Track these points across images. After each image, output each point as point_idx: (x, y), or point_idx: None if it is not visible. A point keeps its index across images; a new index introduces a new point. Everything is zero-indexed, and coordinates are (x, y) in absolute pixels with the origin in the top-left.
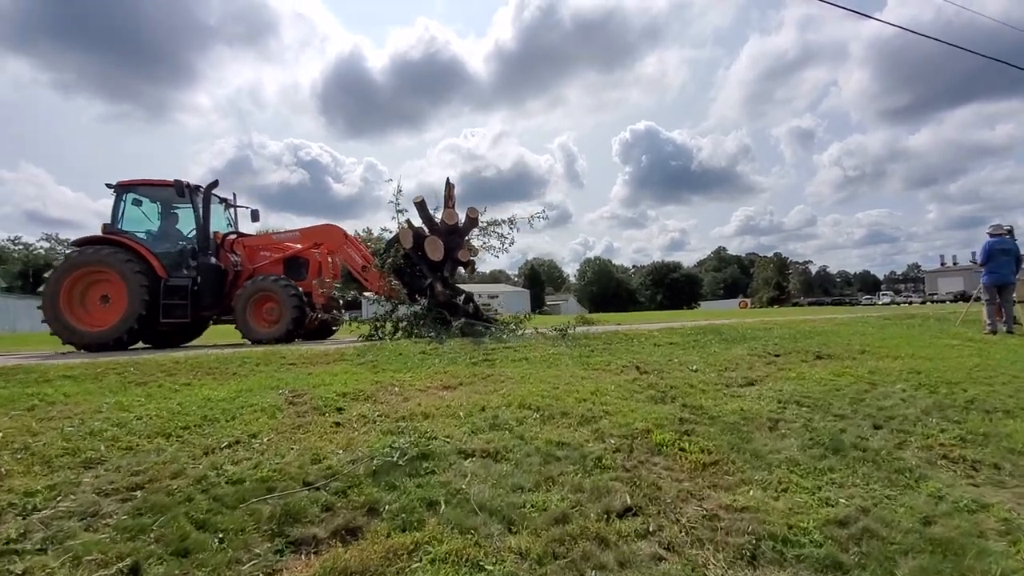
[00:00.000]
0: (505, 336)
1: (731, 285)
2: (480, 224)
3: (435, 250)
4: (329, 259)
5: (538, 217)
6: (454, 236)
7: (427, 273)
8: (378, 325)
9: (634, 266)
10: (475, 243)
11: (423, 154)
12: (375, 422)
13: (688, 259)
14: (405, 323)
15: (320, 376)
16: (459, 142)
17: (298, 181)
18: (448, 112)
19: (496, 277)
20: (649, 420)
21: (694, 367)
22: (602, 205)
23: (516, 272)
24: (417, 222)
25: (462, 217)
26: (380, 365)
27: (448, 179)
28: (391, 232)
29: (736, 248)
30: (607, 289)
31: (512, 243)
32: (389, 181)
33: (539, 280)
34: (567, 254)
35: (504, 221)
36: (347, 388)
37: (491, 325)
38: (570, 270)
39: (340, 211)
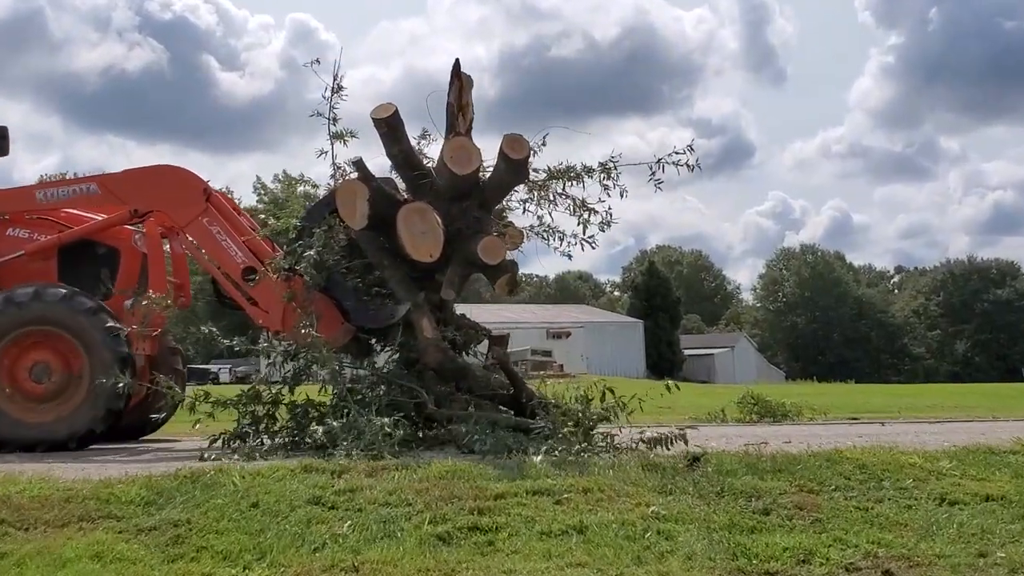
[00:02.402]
0: (569, 451)
1: None
2: (533, 176)
3: (423, 235)
4: (166, 248)
5: (678, 161)
6: (468, 202)
7: (400, 290)
8: (258, 412)
9: (899, 270)
10: (517, 221)
11: (420, 8)
12: None
13: None
14: (327, 413)
15: None
16: None
17: (145, 66)
18: None
19: (569, 288)
20: None
21: None
22: (827, 125)
23: (619, 277)
24: (376, 163)
25: (488, 157)
26: (191, 536)
27: (458, 65)
28: (312, 187)
29: None
30: (831, 324)
31: (609, 223)
32: (315, 64)
33: (669, 297)
34: (738, 238)
35: (593, 170)
36: None
37: (544, 422)
38: (744, 276)
39: (237, 134)
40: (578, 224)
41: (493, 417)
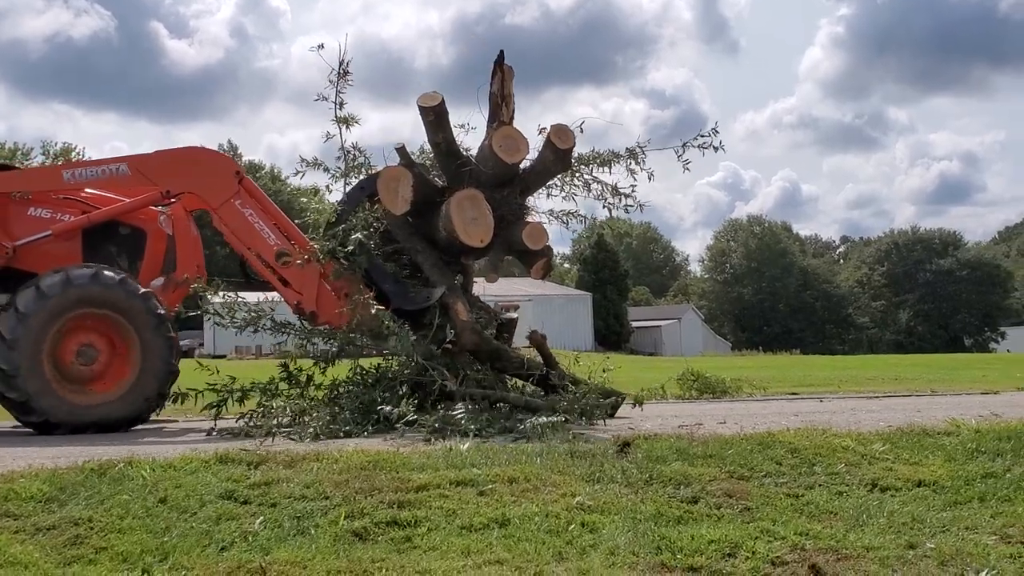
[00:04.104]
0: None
1: None
2: (575, 163)
3: (474, 221)
4: (193, 230)
5: (704, 144)
6: (510, 190)
7: (434, 274)
8: (291, 392)
9: (844, 240)
10: (537, 205)
11: None
12: None
13: (977, 226)
14: (342, 396)
15: None
16: None
17: (92, 34)
18: None
19: (517, 260)
20: None
21: None
22: (778, 96)
23: (568, 249)
24: (412, 147)
25: (536, 144)
26: (91, 536)
27: (502, 56)
28: (323, 171)
29: None
30: (776, 294)
31: (641, 205)
32: (319, 49)
33: (618, 270)
34: (689, 208)
35: (620, 155)
36: None
37: (563, 400)
38: (695, 247)
39: (185, 103)
40: (603, 207)
41: (502, 396)
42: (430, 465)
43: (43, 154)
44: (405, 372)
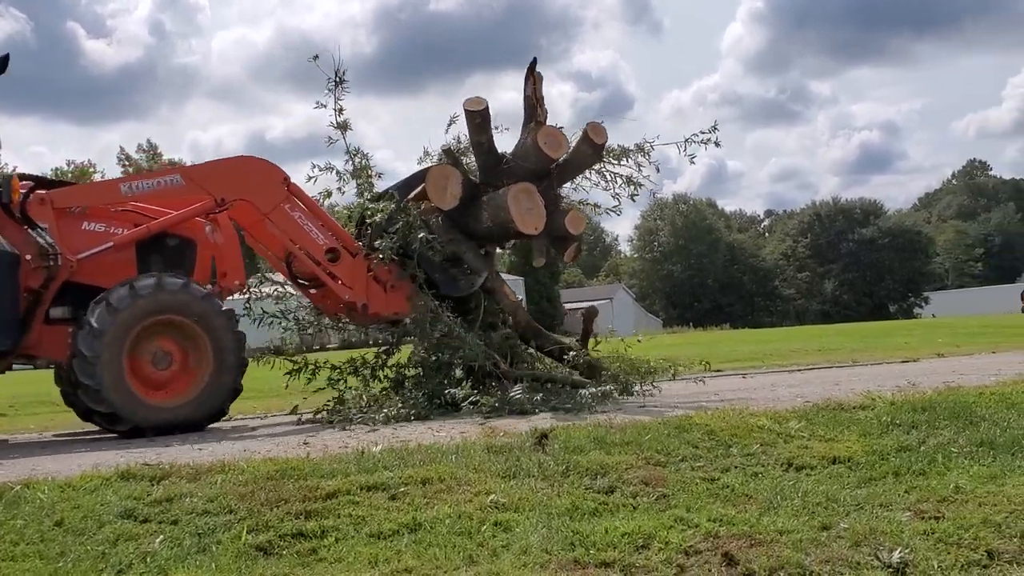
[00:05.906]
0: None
1: (1001, 254)
2: (606, 156)
3: (529, 211)
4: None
5: (704, 140)
6: (547, 182)
7: (476, 263)
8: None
9: (768, 214)
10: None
11: None
12: None
13: (899, 194)
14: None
15: None
16: None
17: (8, 37)
18: None
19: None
20: None
21: (894, 555)
22: (700, 74)
23: None
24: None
25: (573, 142)
26: None
27: (534, 62)
28: (335, 174)
29: (1015, 161)
30: (705, 270)
31: (653, 192)
32: (315, 59)
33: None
34: (618, 189)
35: (629, 150)
36: None
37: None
38: (622, 227)
39: (106, 103)
40: (613, 197)
41: (549, 375)
42: (340, 471)
43: None
44: (458, 357)
